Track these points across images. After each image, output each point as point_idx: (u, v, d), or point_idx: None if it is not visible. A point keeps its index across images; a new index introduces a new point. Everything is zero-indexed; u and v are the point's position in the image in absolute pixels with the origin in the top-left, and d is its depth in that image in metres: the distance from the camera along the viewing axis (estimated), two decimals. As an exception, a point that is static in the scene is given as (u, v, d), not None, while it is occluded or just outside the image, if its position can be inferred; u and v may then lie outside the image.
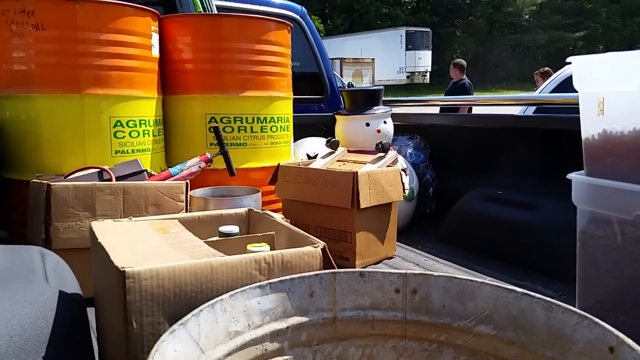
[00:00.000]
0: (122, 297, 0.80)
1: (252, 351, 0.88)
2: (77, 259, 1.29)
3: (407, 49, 24.93)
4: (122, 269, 0.80)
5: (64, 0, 1.90)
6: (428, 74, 26.25)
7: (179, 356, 0.72)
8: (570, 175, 1.45)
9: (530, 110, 3.10)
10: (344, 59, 19.45)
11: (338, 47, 23.29)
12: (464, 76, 7.11)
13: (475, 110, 3.14)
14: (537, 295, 0.86)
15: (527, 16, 33.73)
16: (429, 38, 25.63)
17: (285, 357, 0.93)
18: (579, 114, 1.48)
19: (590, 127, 1.41)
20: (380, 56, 22.53)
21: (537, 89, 5.43)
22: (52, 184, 1.57)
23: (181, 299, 0.85)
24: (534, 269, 2.04)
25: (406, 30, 25.15)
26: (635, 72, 1.33)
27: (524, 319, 0.86)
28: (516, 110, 3.23)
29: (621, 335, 0.72)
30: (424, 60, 25.54)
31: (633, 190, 1.31)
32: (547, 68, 6.40)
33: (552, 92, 3.54)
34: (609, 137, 1.36)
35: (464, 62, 7.30)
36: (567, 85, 3.22)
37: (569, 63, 1.51)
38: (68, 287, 1.04)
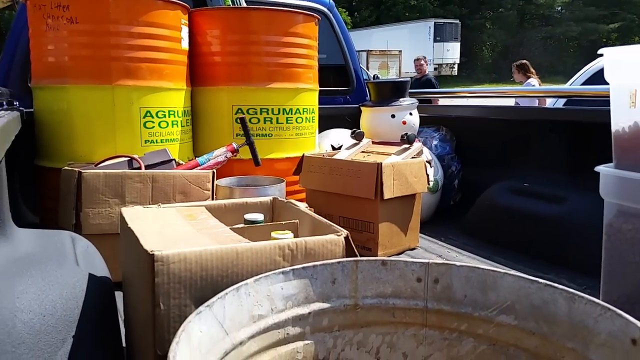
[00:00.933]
0: (151, 280, 0.83)
1: (275, 335, 0.90)
2: (106, 244, 1.34)
3: (435, 40, 24.60)
4: (151, 253, 0.83)
5: (97, -6, 1.95)
6: (456, 66, 25.87)
7: (204, 336, 0.75)
8: (599, 168, 1.43)
9: (560, 103, 3.04)
10: (371, 51, 19.33)
11: (365, 39, 23.12)
12: (427, 72, 7.57)
13: (503, 102, 3.09)
14: (560, 286, 0.86)
15: (560, 8, 32.91)
16: (457, 30, 25.23)
17: (307, 342, 0.95)
18: (609, 106, 1.45)
19: (621, 119, 1.39)
20: (408, 48, 22.28)
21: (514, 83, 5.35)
22: (83, 171, 1.62)
23: (207, 283, 0.88)
24: (558, 262, 2.01)
25: (434, 22, 24.81)
26: (669, 63, 1.30)
27: (546, 309, 0.86)
28: (547, 103, 3.18)
29: (644, 326, 0.71)
30: (452, 52, 25.16)
31: (663, 183, 1.29)
32: (524, 61, 6.14)
33: (583, 84, 3.47)
34: (640, 130, 1.33)
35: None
36: (598, 77, 3.15)
37: (601, 55, 1.48)
38: (97, 271, 1.08)
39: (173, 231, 1.02)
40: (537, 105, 3.84)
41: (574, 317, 0.83)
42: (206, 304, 0.78)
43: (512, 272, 0.92)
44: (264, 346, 0.88)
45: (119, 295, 1.18)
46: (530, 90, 2.85)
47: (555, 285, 0.85)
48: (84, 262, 1.11)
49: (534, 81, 5.89)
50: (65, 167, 1.77)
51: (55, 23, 1.98)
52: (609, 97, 1.45)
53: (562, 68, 26.66)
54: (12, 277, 0.91)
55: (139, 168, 1.75)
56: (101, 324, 0.99)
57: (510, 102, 3.01)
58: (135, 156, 1.83)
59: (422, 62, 7.54)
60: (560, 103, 2.99)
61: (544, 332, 0.86)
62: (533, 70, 5.99)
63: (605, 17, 29.69)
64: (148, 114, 2.05)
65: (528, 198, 2.29)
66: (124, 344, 1.13)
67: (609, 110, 1.44)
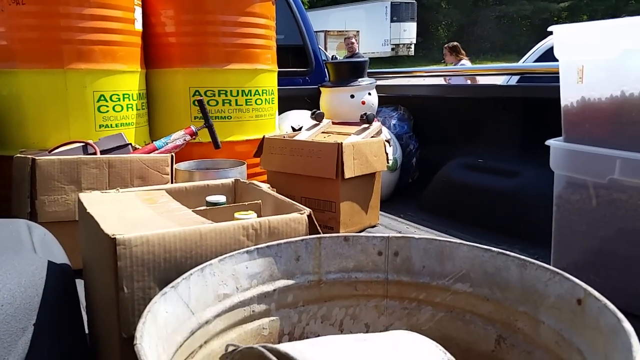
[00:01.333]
0: (113, 264, 0.83)
1: (240, 312, 0.92)
2: (63, 231, 1.31)
3: (392, 20, 24.70)
4: (112, 236, 0.82)
5: (44, -26, 1.87)
6: (413, 46, 26.10)
7: (170, 317, 0.76)
8: (549, 142, 1.49)
9: (513, 80, 3.13)
10: (329, 31, 19.26)
11: (322, 20, 22.98)
12: (358, 51, 7.84)
13: (458, 80, 3.16)
14: (512, 253, 0.90)
15: (512, -14, 33.50)
16: (414, 9, 25.41)
17: (272, 318, 0.97)
18: (559, 82, 1.51)
19: (569, 95, 1.45)
20: (365, 28, 22.33)
21: (445, 64, 5.50)
22: (37, 158, 1.58)
23: (171, 265, 0.88)
24: (512, 234, 2.10)
25: (391, 2, 24.88)
26: (614, 40, 1.36)
27: (499, 276, 0.91)
28: (499, 81, 3.26)
29: (588, 288, 0.76)
30: (409, 32, 25.36)
31: (608, 155, 1.36)
32: (455, 43, 6.39)
33: (535, 61, 3.57)
34: (587, 104, 1.40)
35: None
36: (549, 55, 3.26)
37: (551, 33, 1.54)
38: (56, 258, 1.06)
39: (134, 215, 1.01)
40: (469, 83, 3.97)
41: (525, 283, 0.87)
42: (171, 284, 0.79)
43: (467, 242, 0.96)
44: (230, 324, 0.90)
45: (79, 283, 1.17)
46: (484, 69, 2.92)
47: (508, 253, 0.90)
48: (41, 250, 1.09)
49: (466, 62, 6.13)
50: (18, 155, 1.71)
51: (0, 5, 1.90)
52: (559, 73, 1.51)
53: (515, 47, 27.27)
54: (-34, 267, 0.89)
55: (94, 153, 1.72)
56: (62, 311, 0.98)
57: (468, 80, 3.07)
58: (90, 141, 1.78)
59: (353, 40, 7.74)
60: (513, 80, 3.08)
61: (497, 298, 0.91)
62: (464, 52, 6.26)
63: (556, -4, 30.45)
64: (102, 98, 2.00)
65: (482, 173, 2.36)
66: (86, 331, 1.12)
67: (559, 87, 1.50)
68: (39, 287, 0.93)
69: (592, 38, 1.41)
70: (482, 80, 2.82)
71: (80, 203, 1.06)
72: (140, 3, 2.20)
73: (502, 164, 2.32)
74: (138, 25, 2.17)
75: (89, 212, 0.97)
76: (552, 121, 1.61)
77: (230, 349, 0.66)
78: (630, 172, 1.33)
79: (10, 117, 1.96)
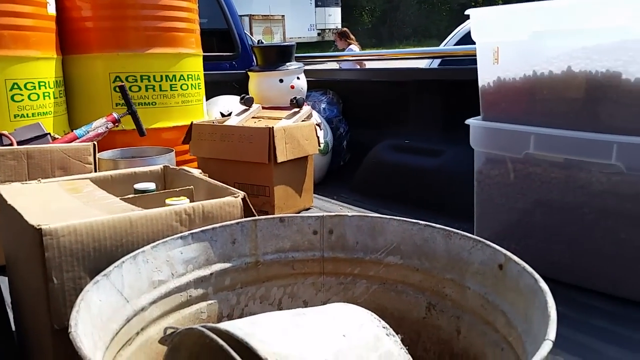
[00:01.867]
0: (40, 255, 0.80)
1: (177, 298, 0.91)
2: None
3: (316, 5, 24.70)
4: (38, 227, 0.79)
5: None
6: (338, 31, 26.27)
7: (103, 305, 0.74)
8: (468, 121, 1.57)
9: (435, 64, 3.24)
10: (253, 15, 18.97)
11: (246, 4, 22.52)
12: None
13: (385, 65, 3.24)
14: (438, 225, 0.96)
15: (432, -28, 34.46)
16: (338, -5, 25.55)
17: (210, 302, 0.97)
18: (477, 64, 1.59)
19: (486, 75, 1.53)
20: (290, 13, 22.17)
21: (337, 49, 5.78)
22: (-56, 151, 1.46)
23: (101, 254, 0.86)
24: (438, 210, 2.19)
25: (315, -14, 24.86)
26: (526, 22, 1.45)
27: (426, 247, 0.96)
28: (422, 64, 3.37)
29: (508, 253, 0.82)
30: (334, 17, 25.48)
31: (523, 131, 1.46)
32: (344, 29, 6.74)
33: (455, 45, 3.72)
34: (503, 84, 1.48)
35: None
36: (468, 38, 3.40)
37: (469, 17, 1.61)
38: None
39: (59, 205, 0.97)
40: (358, 68, 4.13)
41: (451, 251, 0.93)
42: (103, 273, 0.77)
43: (397, 217, 1.01)
44: (167, 310, 0.89)
45: (2, 280, 1.11)
46: (406, 53, 3.01)
47: (434, 225, 0.95)
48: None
49: (354, 47, 6.37)
50: None
51: None
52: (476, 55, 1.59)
53: (435, 31, 28.15)
54: None
55: (11, 144, 1.61)
56: (-15, 310, 0.93)
57: (394, 64, 3.15)
58: (5, 132, 1.67)
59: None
60: (435, 64, 3.19)
61: (426, 268, 0.96)
62: (353, 37, 6.53)
63: (472, -18, 31.66)
64: (15, 86, 1.87)
65: (409, 154, 2.45)
66: (13, 328, 1.07)
67: (477, 68, 1.58)
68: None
69: (505, 21, 1.49)
70: (406, 64, 2.90)
71: (-2, 196, 1.00)
72: (52, -15, 2.07)
73: (427, 144, 2.42)
74: (51, 9, 2.05)
75: (10, 205, 0.92)
76: (472, 102, 1.69)
77: (169, 331, 0.66)
78: (544, 147, 1.43)
79: None
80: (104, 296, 0.74)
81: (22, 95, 1.90)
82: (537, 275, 0.73)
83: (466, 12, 1.57)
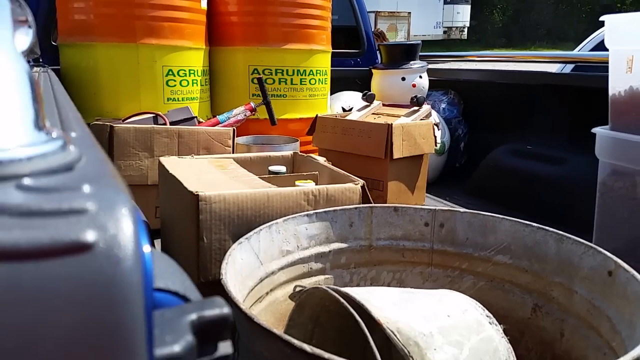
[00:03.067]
0: (195, 217, 0.96)
1: (300, 268, 1.04)
2: (136, 194, 1.44)
3: (445, 2, 24.10)
4: (196, 193, 0.95)
5: (121, -46, 2.02)
6: (466, 30, 25.44)
7: (244, 263, 0.88)
8: (595, 130, 1.53)
9: (568, 69, 3.10)
10: (379, 12, 19.00)
11: (374, 0, 22.71)
12: None
13: (512, 67, 3.16)
14: (551, 229, 0.98)
15: (574, -30, 32.03)
16: (468, -8, 24.72)
17: (327, 276, 1.09)
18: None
19: (617, 84, 1.48)
20: (417, 10, 21.87)
21: None
22: (115, 125, 1.74)
23: (243, 221, 1.00)
24: (557, 221, 2.12)
25: (445, -17, 24.27)
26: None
27: (537, 249, 0.99)
28: (554, 68, 3.23)
29: (619, 260, 0.84)
30: (463, 15, 24.70)
31: (655, 145, 1.39)
32: (380, 29, 6.10)
33: (591, 50, 3.51)
34: (635, 93, 1.43)
35: None
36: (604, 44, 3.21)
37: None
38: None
39: (210, 177, 1.14)
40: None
41: (561, 255, 0.95)
42: (245, 236, 0.91)
43: (509, 218, 1.05)
44: (291, 277, 1.02)
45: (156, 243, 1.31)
46: (539, 56, 2.91)
47: (547, 228, 0.98)
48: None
49: None
50: (95, 122, 1.88)
51: (80, -18, 2.06)
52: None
53: (573, 34, 26.17)
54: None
55: (164, 124, 1.87)
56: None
57: (519, 66, 3.06)
58: (160, 113, 1.93)
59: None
60: (568, 69, 3.05)
61: (535, 270, 0.99)
62: (388, 39, 6.16)
63: (620, -19, 28.93)
64: (170, 73, 2.15)
65: (530, 160, 2.39)
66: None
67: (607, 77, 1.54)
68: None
69: (644, 29, 1.43)
70: (535, 68, 2.81)
71: (161, 166, 1.20)
72: (207, -17, 2.32)
73: (551, 151, 2.35)
74: (204, 4, 2.30)
75: (172, 174, 1.10)
76: (601, 111, 1.64)
77: (298, 289, 0.78)
78: (677, 163, 1.36)
79: (87, 87, 2.13)
80: (245, 256, 0.89)
81: (175, 80, 2.17)
82: (647, 285, 0.75)
83: (601, 18, 1.52)
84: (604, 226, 1.57)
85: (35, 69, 1.75)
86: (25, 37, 0.32)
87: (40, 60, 2.35)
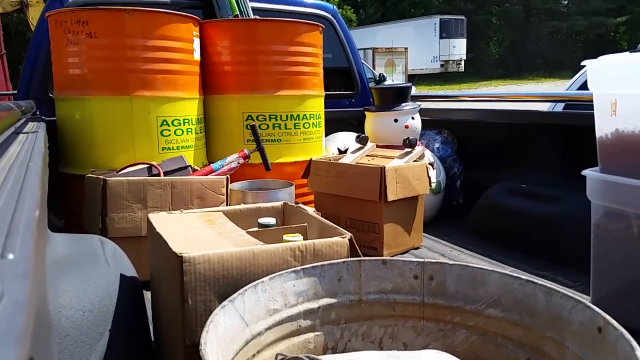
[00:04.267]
0: (180, 279, 0.95)
1: (288, 327, 1.02)
2: (130, 246, 1.45)
3: (441, 37, 24.59)
4: (179, 254, 0.95)
5: (114, 11, 2.07)
6: (463, 62, 25.86)
7: (227, 327, 0.87)
8: (585, 172, 1.53)
9: (559, 107, 3.13)
10: (376, 48, 19.36)
11: (370, 37, 23.17)
12: None
13: (503, 105, 3.19)
14: (540, 281, 0.97)
15: (566, 2, 32.77)
16: (463, 26, 25.22)
17: (317, 333, 1.07)
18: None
19: (603, 126, 1.49)
20: (414, 45, 22.32)
21: None
22: (107, 179, 1.75)
23: (228, 281, 0.99)
24: (555, 260, 2.11)
25: (440, 19, 24.81)
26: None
27: (527, 302, 0.97)
28: (545, 106, 3.27)
29: (607, 317, 0.82)
30: (459, 48, 25.16)
31: (646, 186, 1.39)
32: (381, 74, 5.94)
33: (583, 84, 3.55)
34: (622, 136, 1.43)
35: None
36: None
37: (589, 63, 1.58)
38: (126, 271, 1.20)
39: (196, 235, 1.14)
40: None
41: (551, 309, 0.94)
42: (229, 299, 0.90)
43: (511, 270, 1.04)
44: (279, 336, 1.00)
45: (145, 294, 1.30)
46: (530, 95, 2.94)
47: (535, 281, 0.97)
48: (113, 264, 1.23)
49: None
50: (89, 175, 1.89)
51: (75, 38, 2.10)
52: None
53: (569, 63, 26.55)
54: (54, 278, 1.03)
55: (158, 174, 1.88)
56: (132, 319, 1.11)
57: (513, 105, 3.08)
58: (154, 163, 1.95)
59: None
60: (559, 107, 3.08)
61: (526, 323, 0.98)
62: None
63: (613, 10, 29.52)
64: (164, 123, 2.17)
65: (525, 199, 2.39)
66: (152, 338, 1.25)
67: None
68: (113, 297, 1.06)
69: (624, 72, 1.45)
70: (526, 106, 2.84)
71: (149, 223, 1.20)
72: (198, 34, 2.37)
73: (545, 189, 2.35)
74: (196, 55, 2.35)
75: (158, 232, 1.10)
76: (594, 148, 1.65)
77: (280, 357, 0.76)
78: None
79: (82, 139, 2.16)
80: (228, 319, 0.87)
81: (169, 130, 2.19)
82: (634, 343, 0.73)
83: (582, 63, 1.54)
84: (601, 268, 1.56)
85: (29, 124, 1.78)
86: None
87: (37, 113, 2.39)
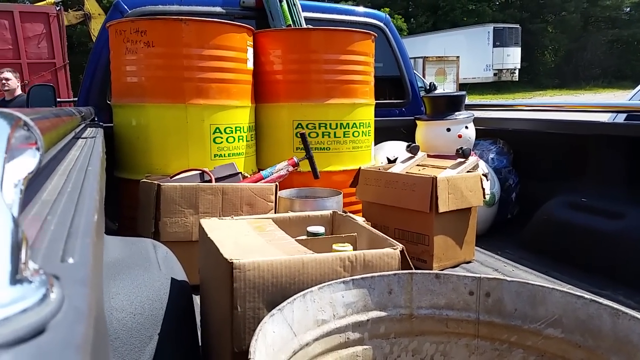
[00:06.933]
0: (230, 285, 0.95)
1: (336, 338, 1.00)
2: (181, 250, 1.47)
3: (494, 45, 24.05)
4: (230, 261, 0.94)
5: (172, 21, 2.13)
6: (517, 72, 25.17)
7: (276, 337, 0.86)
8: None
9: (621, 117, 2.97)
10: (427, 57, 19.16)
11: (421, 46, 22.95)
12: (19, 92, 4.89)
13: (561, 115, 3.06)
14: (605, 302, 0.91)
15: (628, 9, 31.37)
16: (518, 34, 24.57)
17: (365, 347, 1.04)
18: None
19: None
20: (466, 54, 21.90)
21: None
22: (162, 184, 1.79)
23: (277, 289, 0.99)
24: (616, 278, 2.00)
25: (494, 27, 24.28)
26: None
27: (591, 324, 0.91)
28: (605, 117, 3.12)
29: (684, 343, 0.76)
30: (513, 57, 24.52)
31: None
32: (432, 83, 4.76)
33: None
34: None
35: None
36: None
37: None
38: (177, 275, 1.22)
39: (246, 241, 1.14)
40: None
41: (618, 332, 0.87)
42: (278, 307, 0.89)
43: (560, 287, 0.98)
44: (327, 348, 0.98)
45: (194, 298, 1.31)
46: (590, 105, 2.81)
47: (600, 300, 0.91)
48: (165, 267, 1.24)
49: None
50: (144, 180, 1.94)
51: (133, 47, 2.18)
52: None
53: (630, 72, 25.42)
54: (107, 280, 1.05)
55: (210, 181, 1.90)
56: (182, 324, 1.12)
57: (572, 115, 2.96)
58: (207, 169, 1.98)
59: (4, 81, 4.77)
60: (621, 118, 2.93)
61: (589, 346, 0.92)
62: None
63: (679, 18, 28.05)
64: (217, 130, 2.21)
65: (586, 213, 2.27)
66: (200, 343, 1.26)
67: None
68: (163, 301, 1.07)
69: None
70: (585, 116, 2.71)
71: (201, 228, 1.21)
72: (252, 44, 2.41)
73: (607, 204, 2.23)
74: (250, 64, 2.38)
75: (209, 237, 1.11)
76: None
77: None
78: None
79: (138, 145, 2.23)
80: (277, 328, 0.86)
81: (221, 138, 2.23)
82: None
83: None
84: (670, 290, 1.45)
85: (88, 130, 1.84)
86: (31, 160, 0.33)
87: (96, 119, 2.49)
